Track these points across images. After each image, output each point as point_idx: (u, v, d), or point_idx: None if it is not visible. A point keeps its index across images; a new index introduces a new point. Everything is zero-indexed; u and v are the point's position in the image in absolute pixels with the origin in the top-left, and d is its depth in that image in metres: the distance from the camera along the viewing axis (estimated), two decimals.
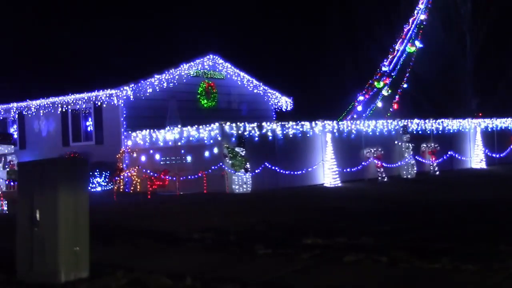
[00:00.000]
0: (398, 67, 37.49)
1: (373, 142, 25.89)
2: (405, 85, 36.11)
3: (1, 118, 29.13)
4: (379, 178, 25.05)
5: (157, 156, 23.36)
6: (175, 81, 26.07)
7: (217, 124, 21.80)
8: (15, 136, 27.90)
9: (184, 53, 27.24)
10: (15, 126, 28.80)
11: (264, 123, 22.77)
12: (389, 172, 25.73)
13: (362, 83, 38.79)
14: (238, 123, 22.03)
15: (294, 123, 23.66)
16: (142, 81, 24.78)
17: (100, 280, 7.05)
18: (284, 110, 31.79)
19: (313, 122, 24.37)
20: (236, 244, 9.20)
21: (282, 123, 23.47)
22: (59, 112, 26.43)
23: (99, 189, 23.31)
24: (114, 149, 24.44)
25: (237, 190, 20.92)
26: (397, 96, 36.25)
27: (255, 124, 22.48)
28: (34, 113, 27.28)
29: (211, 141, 21.81)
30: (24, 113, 27.76)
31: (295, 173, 22.80)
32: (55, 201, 6.97)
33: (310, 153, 23.95)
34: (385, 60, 38.20)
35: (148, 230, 10.78)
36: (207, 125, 22.07)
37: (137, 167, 23.19)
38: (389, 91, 37.53)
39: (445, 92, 40.70)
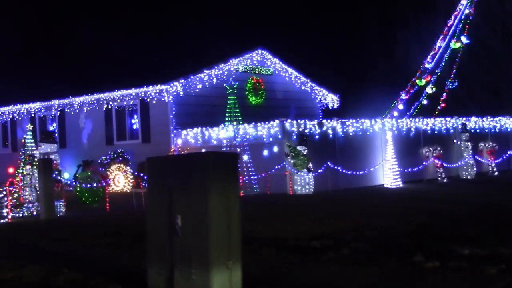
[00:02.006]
0: (443, 63, 36.21)
1: (431, 141, 24.63)
2: (455, 83, 34.63)
3: (42, 115, 28.05)
4: (439, 178, 23.75)
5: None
6: (224, 77, 24.88)
7: (277, 121, 20.59)
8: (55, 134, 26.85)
9: (232, 47, 25.98)
10: (54, 124, 27.72)
11: (324, 121, 21.54)
12: (447, 172, 24.42)
13: (404, 81, 37.56)
14: (299, 120, 20.85)
15: (354, 121, 22.44)
16: (191, 76, 23.61)
17: None
18: (330, 108, 30.52)
19: (373, 120, 23.16)
20: (377, 254, 7.98)
21: (343, 120, 22.24)
22: (104, 109, 25.28)
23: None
24: (162, 148, 23.25)
25: (299, 191, 19.72)
26: (444, 94, 34.81)
27: (315, 122, 21.29)
28: (77, 110, 26.17)
29: (271, 139, 20.61)
30: (66, 110, 26.65)
31: (357, 173, 21.54)
32: (205, 204, 5.76)
33: (370, 152, 22.72)
34: (428, 57, 36.91)
35: (253, 237, 9.57)
36: (266, 122, 20.87)
37: None
38: (434, 88, 36.24)
39: (489, 91, 39.24)
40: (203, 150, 22.31)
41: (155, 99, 23.31)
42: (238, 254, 5.99)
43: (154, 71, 23.70)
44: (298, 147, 20.18)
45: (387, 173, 22.45)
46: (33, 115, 28.36)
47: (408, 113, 35.24)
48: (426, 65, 36.52)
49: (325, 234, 10.29)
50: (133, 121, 25.04)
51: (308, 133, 20.73)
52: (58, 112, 27.16)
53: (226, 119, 20.39)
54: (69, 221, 13.84)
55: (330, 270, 7.45)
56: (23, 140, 16.82)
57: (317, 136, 21.09)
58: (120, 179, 22.43)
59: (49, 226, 12.99)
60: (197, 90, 23.93)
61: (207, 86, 24.29)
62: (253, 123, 21.21)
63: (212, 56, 25.20)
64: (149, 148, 23.99)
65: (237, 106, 20.49)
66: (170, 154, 22.55)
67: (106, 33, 32.88)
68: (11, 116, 29.40)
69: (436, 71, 36.24)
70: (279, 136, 20.38)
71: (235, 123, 21.53)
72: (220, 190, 5.85)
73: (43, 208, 14.49)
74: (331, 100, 30.42)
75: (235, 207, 6.00)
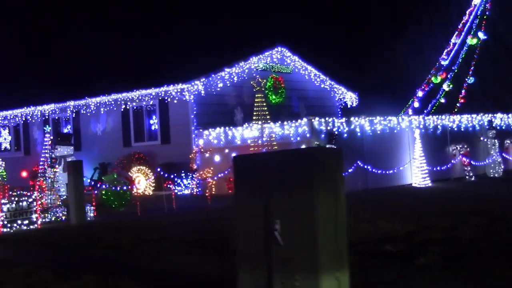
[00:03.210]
0: (459, 60, 35.60)
1: (458, 139, 23.99)
2: (471, 79, 34.01)
3: (56, 117, 27.32)
4: (467, 177, 23.08)
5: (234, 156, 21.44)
6: (244, 75, 24.21)
7: (305, 119, 19.93)
8: None
9: (252, 45, 25.30)
10: (69, 126, 27.01)
11: (352, 118, 20.87)
12: (475, 171, 23.74)
13: (418, 78, 36.97)
14: (326, 119, 20.20)
15: (381, 118, 21.79)
16: (212, 75, 22.93)
17: None
18: (349, 107, 29.85)
19: (400, 117, 22.55)
20: (470, 259, 7.28)
21: (370, 118, 21.58)
22: (122, 109, 24.56)
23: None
24: (183, 149, 22.60)
25: None
26: (463, 91, 34.18)
27: (343, 119, 20.63)
28: (94, 111, 25.45)
29: (298, 138, 19.94)
30: (82, 111, 25.93)
31: (387, 172, 20.87)
32: (311, 206, 5.08)
33: (397, 150, 22.06)
34: (443, 54, 36.32)
35: None
36: (293, 121, 20.20)
37: (211, 168, 21.32)
38: (450, 85, 35.65)
39: (507, 88, 38.58)
40: (226, 151, 21.66)
41: (176, 98, 22.61)
42: (346, 260, 5.30)
43: (174, 70, 22.98)
44: (328, 146, 19.51)
45: (415, 172, 21.76)
46: (46, 117, 27.65)
47: (425, 111, 34.63)
48: (442, 62, 35.98)
49: (389, 236, 9.62)
50: (151, 121, 24.35)
51: (336, 132, 20.08)
52: (74, 114, 26.43)
53: (254, 118, 19.67)
54: (103, 226, 13.12)
55: (443, 280, 6.72)
56: (50, 142, 16.05)
57: (345, 135, 20.43)
58: (141, 182, 21.71)
59: (84, 232, 12.27)
60: (218, 89, 23.26)
61: (228, 85, 23.63)
62: (279, 122, 20.54)
63: (232, 54, 24.51)
64: (169, 149, 23.33)
65: (264, 104, 19.77)
66: (192, 155, 21.88)
67: (123, 32, 32.34)
68: (24, 119, 28.67)
69: (452, 68, 35.68)
70: (308, 135, 19.71)
71: (259, 122, 20.82)
72: (327, 190, 5.17)
73: (73, 213, 13.79)
74: (350, 98, 29.77)
75: (342, 209, 5.31)
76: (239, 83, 24.12)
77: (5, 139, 30.00)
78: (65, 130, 26.84)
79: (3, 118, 29.56)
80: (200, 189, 21.29)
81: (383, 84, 36.74)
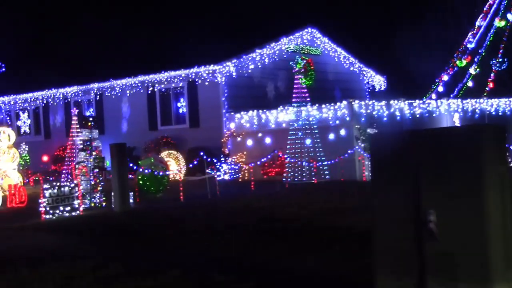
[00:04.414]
0: (487, 43, 34.63)
1: (495, 123, 23.13)
2: (504, 64, 33.05)
3: (79, 100, 26.50)
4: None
5: (268, 140, 20.70)
6: (275, 57, 23.38)
7: (345, 102, 19.15)
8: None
9: (282, 26, 24.40)
10: (91, 110, 26.20)
11: (391, 101, 20.05)
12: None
13: (441, 61, 36.05)
14: (367, 101, 19.43)
15: (420, 102, 21.03)
16: (244, 56, 22.10)
17: None
18: (377, 90, 29.02)
19: (439, 101, 21.77)
20: None
21: (410, 101, 20.79)
22: (149, 91, 23.74)
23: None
24: (213, 133, 21.83)
25: (370, 177, 18.23)
26: (492, 75, 33.25)
27: (383, 102, 19.81)
28: (118, 94, 24.63)
29: (337, 121, 19.14)
30: (106, 94, 25.10)
31: None
32: (479, 195, 4.30)
33: None
34: (469, 37, 35.36)
35: None
36: (331, 104, 19.41)
37: (244, 153, 20.56)
38: (477, 69, 34.71)
39: None
40: (260, 135, 20.89)
41: (208, 80, 21.79)
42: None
43: (204, 52, 22.08)
44: (368, 130, 18.74)
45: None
46: (69, 99, 26.85)
47: (451, 95, 33.73)
48: (468, 45, 35.03)
49: None
50: (179, 104, 23.55)
51: (376, 115, 19.32)
52: (98, 96, 25.62)
53: (293, 100, 18.84)
54: (151, 213, 12.38)
55: None
56: (89, 124, 15.26)
57: (384, 118, 19.65)
58: (171, 166, 20.94)
59: (134, 220, 11.53)
60: (249, 71, 22.44)
61: (259, 66, 22.81)
62: (317, 105, 19.74)
63: (262, 35, 23.63)
64: (198, 133, 22.58)
65: (304, 86, 18.95)
66: (224, 138, 21.11)
67: (150, 13, 31.34)
68: (45, 102, 27.87)
69: (479, 51, 34.74)
70: (347, 119, 18.92)
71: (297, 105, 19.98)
72: (497, 175, 4.39)
73: (117, 200, 13.05)
74: (378, 81, 28.95)
75: (509, 198, 4.53)
76: (269, 65, 23.29)
77: (24, 122, 29.23)
78: (87, 113, 26.04)
79: (23, 101, 28.75)
80: (234, 174, 20.48)
81: (407, 67, 35.75)
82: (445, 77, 34.98)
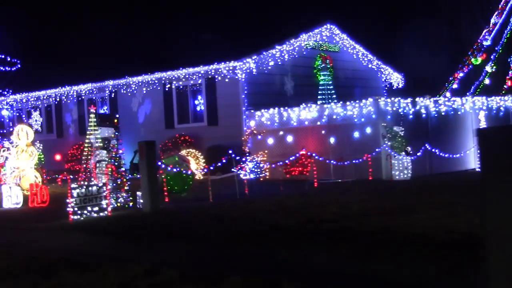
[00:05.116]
0: (504, 40, 34.17)
1: None
2: None
3: (93, 98, 26.01)
4: None
5: (289, 138, 20.23)
6: (295, 53, 22.89)
7: (370, 99, 18.65)
8: None
9: (301, 22, 23.93)
10: (105, 107, 25.72)
11: (417, 99, 19.57)
12: None
13: (454, 59, 35.60)
14: (392, 99, 18.94)
15: (445, 99, 20.56)
16: (263, 53, 21.61)
17: None
18: (394, 88, 28.53)
19: (463, 98, 21.28)
20: None
21: (435, 98, 20.32)
22: (166, 89, 23.25)
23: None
24: (232, 131, 21.36)
25: (397, 177, 17.80)
26: (510, 72, 32.78)
27: (409, 100, 19.33)
28: (135, 91, 24.15)
29: (362, 119, 18.64)
30: (122, 91, 24.62)
31: (453, 156, 19.63)
32: None
33: (461, 133, 20.84)
34: (484, 35, 34.91)
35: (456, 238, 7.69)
36: (356, 101, 18.92)
37: (265, 151, 20.05)
38: (494, 66, 34.24)
39: None
40: (281, 133, 20.43)
41: (228, 77, 21.30)
42: None
43: (222, 48, 21.63)
44: (395, 128, 18.29)
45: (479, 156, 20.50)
46: (82, 97, 26.37)
47: (467, 93, 33.25)
48: (484, 43, 34.57)
49: None
50: (196, 102, 23.07)
51: (402, 113, 18.85)
52: (113, 94, 25.13)
53: (319, 97, 18.37)
54: (184, 214, 11.88)
55: None
56: (115, 121, 14.79)
57: (410, 116, 19.18)
58: (191, 165, 20.45)
59: (168, 221, 11.04)
60: (269, 68, 21.96)
61: (279, 63, 22.32)
62: (341, 102, 19.27)
63: (282, 31, 23.14)
64: (216, 131, 22.10)
65: (330, 82, 18.47)
66: (245, 137, 20.63)
67: (167, 8, 30.73)
68: (58, 99, 27.38)
69: (496, 48, 34.26)
70: (373, 116, 18.43)
71: (323, 102, 19.55)
72: None
73: (146, 199, 12.55)
74: (396, 79, 28.45)
75: None
76: (289, 62, 22.81)
77: (36, 120, 28.75)
78: (101, 111, 25.56)
79: (35, 98, 28.29)
80: (260, 173, 19.86)
81: (421, 65, 35.27)
82: (460, 75, 34.59)
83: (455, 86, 34.91)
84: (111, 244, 9.11)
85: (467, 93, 33.20)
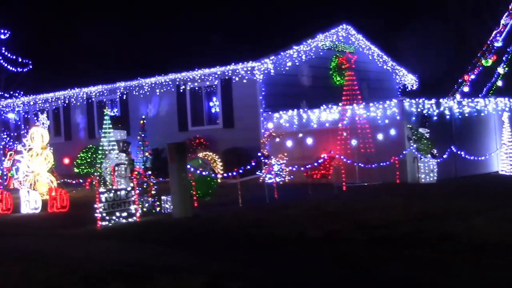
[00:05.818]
0: None
1: None
2: None
3: (103, 100, 25.40)
4: None
5: (309, 141, 19.69)
6: (312, 54, 22.39)
7: (395, 100, 18.17)
8: None
9: (317, 22, 23.43)
10: (115, 110, 25.12)
11: (441, 100, 19.07)
12: None
13: (463, 61, 35.19)
14: (417, 99, 18.42)
15: (469, 100, 20.08)
16: (281, 53, 21.09)
17: None
18: (408, 90, 28.06)
19: (486, 99, 20.80)
20: None
21: (459, 100, 19.84)
22: (181, 90, 22.68)
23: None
24: (249, 133, 20.83)
25: (423, 180, 17.29)
26: None
27: (433, 101, 18.83)
28: (147, 93, 23.57)
29: (386, 121, 18.13)
30: (134, 93, 24.03)
31: (478, 159, 19.14)
32: None
33: (484, 134, 20.36)
34: (495, 36, 34.55)
35: None
36: (380, 102, 18.40)
37: (285, 154, 19.51)
38: (506, 68, 33.85)
39: None
40: (300, 135, 19.92)
41: (246, 77, 20.74)
42: None
43: (237, 48, 21.08)
44: (420, 130, 17.77)
45: (502, 158, 20.07)
46: (92, 99, 25.76)
47: (480, 95, 32.83)
48: (495, 44, 34.19)
49: None
50: (211, 104, 22.52)
51: (426, 114, 18.34)
52: (124, 96, 24.54)
53: (343, 98, 17.86)
54: (219, 219, 11.30)
55: None
56: (142, 122, 14.26)
57: (435, 117, 18.67)
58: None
59: (205, 227, 10.46)
60: (287, 68, 21.44)
61: (297, 63, 21.80)
62: (364, 103, 18.74)
63: (300, 31, 22.63)
64: (232, 133, 21.57)
65: (355, 83, 17.95)
66: (264, 139, 20.05)
67: (181, 8, 30.04)
68: (66, 102, 26.76)
69: (508, 49, 33.86)
70: (398, 118, 17.91)
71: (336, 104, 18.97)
72: None
73: (177, 205, 11.98)
74: (410, 80, 27.99)
75: None
76: (306, 62, 22.31)
77: (43, 123, 28.06)
78: (111, 113, 24.96)
79: (43, 101, 27.66)
80: (285, 176, 19.23)
81: (433, 67, 34.85)
82: (472, 77, 34.18)
83: (466, 89, 34.51)
84: (153, 252, 8.52)
85: (479, 95, 32.81)
